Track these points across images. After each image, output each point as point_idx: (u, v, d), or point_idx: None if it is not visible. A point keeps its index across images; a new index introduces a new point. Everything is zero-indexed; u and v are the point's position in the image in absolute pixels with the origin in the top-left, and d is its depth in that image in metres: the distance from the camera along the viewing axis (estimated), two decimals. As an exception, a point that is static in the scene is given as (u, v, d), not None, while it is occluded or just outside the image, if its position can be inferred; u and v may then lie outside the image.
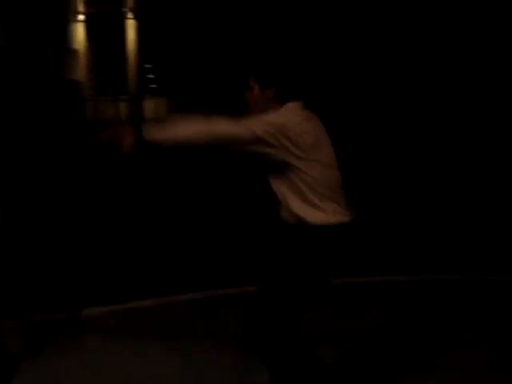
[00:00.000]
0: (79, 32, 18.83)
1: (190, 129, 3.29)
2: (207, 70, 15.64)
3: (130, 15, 18.94)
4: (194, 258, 7.44)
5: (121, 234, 8.43)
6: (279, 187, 3.43)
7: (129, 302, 6.27)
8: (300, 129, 3.30)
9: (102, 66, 18.75)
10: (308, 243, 3.41)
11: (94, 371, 4.46)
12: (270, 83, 3.43)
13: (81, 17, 18.88)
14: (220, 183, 10.60)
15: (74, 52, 18.35)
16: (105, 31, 18.71)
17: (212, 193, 10.20)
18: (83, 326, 5.47)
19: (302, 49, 13.88)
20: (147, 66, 18.70)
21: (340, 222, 3.37)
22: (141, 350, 4.79)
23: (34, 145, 11.25)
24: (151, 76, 18.73)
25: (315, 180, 3.35)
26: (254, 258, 7.16)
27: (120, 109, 18.08)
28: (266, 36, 13.67)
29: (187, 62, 16.49)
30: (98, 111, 17.54)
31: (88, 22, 18.92)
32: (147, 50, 18.55)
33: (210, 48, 15.54)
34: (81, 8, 18.89)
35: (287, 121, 3.30)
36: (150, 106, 18.34)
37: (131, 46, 18.95)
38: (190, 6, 16.12)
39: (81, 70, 18.36)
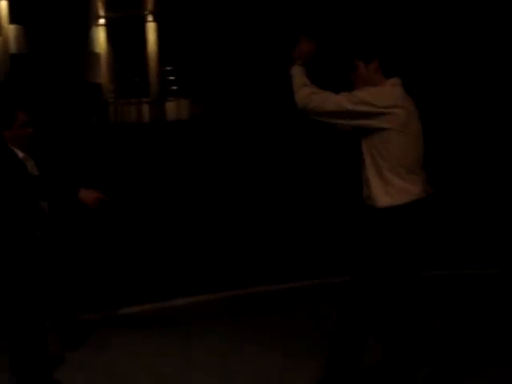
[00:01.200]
0: (100, 36, 18.93)
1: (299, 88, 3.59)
2: (228, 70, 15.65)
3: (150, 18, 19.02)
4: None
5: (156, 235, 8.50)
6: (366, 167, 3.61)
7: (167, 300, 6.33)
8: (398, 103, 3.49)
9: (124, 69, 18.83)
10: (393, 228, 3.51)
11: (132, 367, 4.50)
12: (372, 56, 3.60)
13: (102, 21, 18.99)
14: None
15: (96, 56, 18.44)
16: (126, 34, 18.80)
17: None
18: (120, 323, 5.52)
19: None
20: (168, 68, 18.75)
21: (419, 198, 3.50)
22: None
23: (58, 148, 11.34)
24: (172, 78, 18.78)
25: (398, 156, 3.47)
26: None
27: (142, 111, 18.15)
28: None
29: (208, 63, 16.51)
30: (120, 114, 17.63)
31: (109, 26, 19.02)
32: (168, 53, 18.60)
33: (230, 48, 15.54)
34: (102, 12, 19.01)
35: (387, 95, 3.49)
36: (171, 107, 18.38)
37: (152, 49, 19.02)
38: (210, 8, 16.13)
39: (103, 74, 18.45)
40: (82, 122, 14.96)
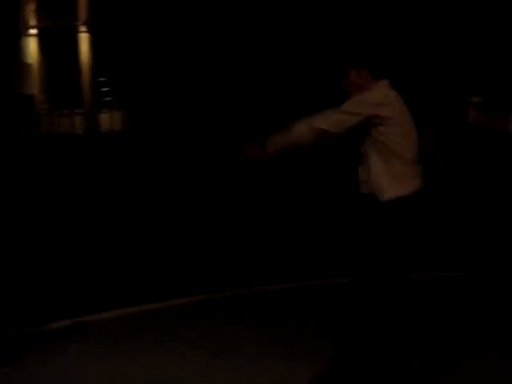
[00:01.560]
0: (32, 46, 18.71)
1: (295, 133, 3.75)
2: (164, 81, 15.73)
3: (83, 28, 18.90)
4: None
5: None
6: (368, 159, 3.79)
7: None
8: (390, 102, 3.77)
9: (56, 80, 18.66)
10: (387, 221, 3.72)
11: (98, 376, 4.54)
12: (362, 64, 3.85)
13: (33, 30, 18.76)
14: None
15: (28, 66, 18.22)
16: (58, 45, 18.63)
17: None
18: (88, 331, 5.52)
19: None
20: (101, 79, 18.68)
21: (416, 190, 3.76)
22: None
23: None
24: (106, 89, 18.71)
25: (402, 147, 3.76)
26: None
27: (75, 122, 18.01)
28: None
29: (141, 74, 16.55)
30: (53, 125, 17.45)
31: (41, 36, 18.81)
32: (101, 63, 18.53)
33: (162, 60, 15.63)
34: (33, 22, 18.76)
35: (381, 97, 3.76)
36: (105, 118, 18.31)
37: (85, 60, 18.90)
38: (142, 21, 16.19)
39: (35, 85, 18.24)
40: (14, 132, 14.78)
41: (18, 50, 18.28)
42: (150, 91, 15.89)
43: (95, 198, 10.90)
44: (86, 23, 18.88)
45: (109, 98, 18.57)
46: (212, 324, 5.56)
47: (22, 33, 18.56)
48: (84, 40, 18.90)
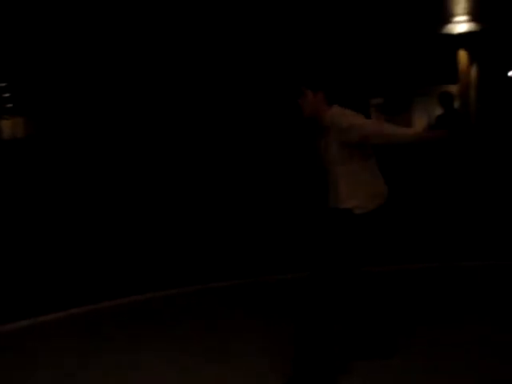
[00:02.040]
0: None
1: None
2: (66, 86, 15.42)
3: (-19, 33, 18.31)
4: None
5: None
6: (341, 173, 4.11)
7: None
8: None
9: (-46, 86, 18.02)
10: (352, 228, 4.04)
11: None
12: (319, 87, 4.18)
13: None
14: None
15: None
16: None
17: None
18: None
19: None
20: (2, 84, 18.18)
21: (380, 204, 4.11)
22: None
23: None
24: (7, 95, 18.22)
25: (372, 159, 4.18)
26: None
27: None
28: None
29: (43, 80, 16.18)
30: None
31: None
32: (2, 69, 18.02)
33: (67, 65, 15.33)
34: None
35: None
36: (7, 125, 17.84)
37: (-16, 65, 18.32)
38: (45, 25, 15.83)
39: None
40: None
41: None
42: (53, 97, 15.55)
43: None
44: (-16, 28, 18.29)
45: (10, 105, 18.11)
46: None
47: None
48: (-17, 45, 18.31)
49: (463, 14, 16.26)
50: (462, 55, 16.76)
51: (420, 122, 15.46)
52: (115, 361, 4.74)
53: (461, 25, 16.49)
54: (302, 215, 8.34)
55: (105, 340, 5.32)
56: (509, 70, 19.29)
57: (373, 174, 4.17)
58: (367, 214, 4.04)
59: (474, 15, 16.18)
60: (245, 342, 5.06)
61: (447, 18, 16.36)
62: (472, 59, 17.00)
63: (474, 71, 17.32)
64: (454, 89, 17.68)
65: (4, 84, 18.02)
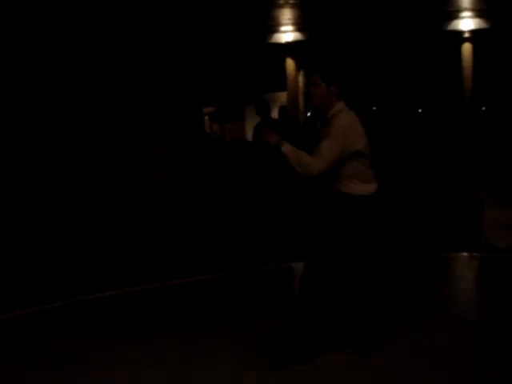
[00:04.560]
0: None
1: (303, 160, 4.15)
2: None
3: None
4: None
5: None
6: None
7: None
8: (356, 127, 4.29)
9: None
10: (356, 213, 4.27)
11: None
12: (335, 81, 4.28)
13: None
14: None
15: None
16: None
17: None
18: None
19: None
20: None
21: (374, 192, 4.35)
22: None
23: None
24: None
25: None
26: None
27: None
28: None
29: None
30: None
31: None
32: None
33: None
34: None
35: (350, 123, 4.27)
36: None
37: None
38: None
39: None
40: None
41: None
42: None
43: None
44: None
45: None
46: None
47: None
48: None
49: (289, 24, 16.88)
50: (289, 63, 17.40)
51: (251, 129, 15.82)
52: (103, 360, 4.47)
53: (287, 34, 17.11)
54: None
55: (92, 336, 5.04)
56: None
57: (367, 164, 4.38)
58: (367, 197, 4.33)
59: (299, 25, 16.83)
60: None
61: (274, 27, 16.91)
62: (299, 67, 17.70)
63: (301, 78, 18.04)
64: (283, 95, 18.34)
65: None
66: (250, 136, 13.22)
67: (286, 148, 4.13)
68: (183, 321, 5.40)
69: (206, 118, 18.37)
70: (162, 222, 9.22)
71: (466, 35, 17.22)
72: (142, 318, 5.58)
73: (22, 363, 4.65)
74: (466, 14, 17.02)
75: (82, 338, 5.06)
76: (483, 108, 18.07)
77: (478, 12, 16.94)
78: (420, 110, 19.74)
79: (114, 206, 10.49)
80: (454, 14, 16.75)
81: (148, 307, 5.99)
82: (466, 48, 17.35)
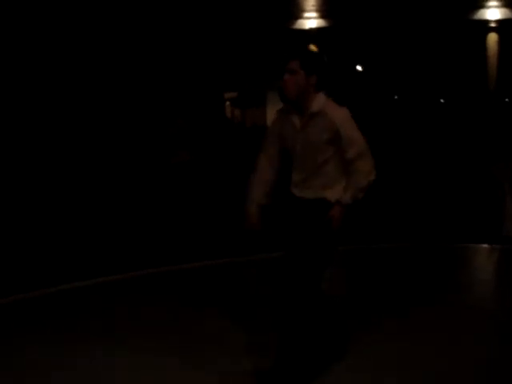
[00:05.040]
0: None
1: None
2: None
3: None
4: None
5: None
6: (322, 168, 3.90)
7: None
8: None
9: None
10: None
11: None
12: (315, 70, 3.85)
13: None
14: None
15: None
16: None
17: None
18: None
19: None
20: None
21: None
22: None
23: None
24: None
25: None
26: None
27: None
28: None
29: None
30: None
31: None
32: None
33: None
34: None
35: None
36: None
37: None
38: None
39: None
40: None
41: None
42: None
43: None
44: None
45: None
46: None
47: None
48: None
49: (313, 11, 16.81)
50: (313, 49, 17.32)
51: (273, 114, 15.81)
52: (89, 360, 4.45)
53: (311, 20, 17.05)
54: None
55: (80, 331, 5.05)
56: (357, 65, 20.14)
57: (345, 168, 3.95)
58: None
59: (322, 12, 16.75)
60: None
61: (298, 13, 16.84)
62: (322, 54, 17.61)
63: (324, 65, 17.95)
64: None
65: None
66: (270, 122, 13.19)
67: (344, 199, 3.86)
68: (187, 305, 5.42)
69: (228, 103, 18.37)
70: (185, 204, 9.26)
71: (492, 25, 17.05)
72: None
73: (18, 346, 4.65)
74: (492, 3, 16.84)
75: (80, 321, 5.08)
76: (506, 99, 17.92)
77: (505, 1, 16.76)
78: (442, 100, 19.62)
79: (140, 188, 10.57)
80: (480, 4, 16.56)
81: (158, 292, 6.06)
82: (492, 38, 17.17)
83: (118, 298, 5.78)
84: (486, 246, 7.52)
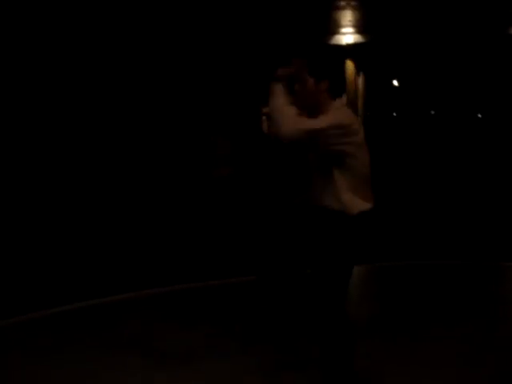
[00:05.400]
0: None
1: None
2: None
3: None
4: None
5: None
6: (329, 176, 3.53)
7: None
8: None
9: None
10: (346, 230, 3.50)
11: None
12: (325, 76, 3.50)
13: None
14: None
15: None
16: None
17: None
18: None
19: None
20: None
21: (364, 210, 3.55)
22: None
23: None
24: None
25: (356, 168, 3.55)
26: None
27: None
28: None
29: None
30: None
31: None
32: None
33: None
34: None
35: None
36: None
37: None
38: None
39: None
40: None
41: None
42: None
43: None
44: None
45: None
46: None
47: None
48: None
49: (350, 26, 16.83)
50: (349, 65, 17.34)
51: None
52: (77, 371, 4.54)
53: (347, 36, 17.06)
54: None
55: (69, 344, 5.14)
56: (393, 79, 20.10)
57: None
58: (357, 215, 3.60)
59: (359, 27, 16.77)
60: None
61: (335, 29, 16.88)
62: (358, 69, 17.62)
63: (360, 80, 17.96)
64: (342, 98, 18.31)
65: None
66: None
67: None
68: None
69: (264, 118, 18.41)
70: (226, 217, 9.29)
71: (531, 40, 16.89)
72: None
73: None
74: (530, 18, 16.69)
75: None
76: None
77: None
78: (479, 115, 19.47)
79: (182, 201, 10.63)
80: (519, 18, 16.44)
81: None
82: (530, 53, 17.02)
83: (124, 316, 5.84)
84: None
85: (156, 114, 13.68)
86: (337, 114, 3.53)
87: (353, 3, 16.32)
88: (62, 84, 12.49)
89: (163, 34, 13.78)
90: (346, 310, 3.62)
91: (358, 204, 3.54)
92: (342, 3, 16.40)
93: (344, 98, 3.66)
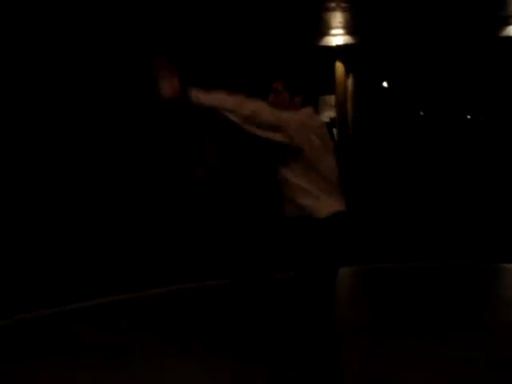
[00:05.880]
0: None
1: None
2: None
3: None
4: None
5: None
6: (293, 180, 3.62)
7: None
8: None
9: None
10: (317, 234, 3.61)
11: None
12: (300, 90, 3.70)
13: None
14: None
15: None
16: None
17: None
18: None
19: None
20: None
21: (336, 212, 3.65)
22: None
23: None
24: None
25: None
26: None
27: None
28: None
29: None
30: None
31: None
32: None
33: None
34: None
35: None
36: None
37: None
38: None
39: None
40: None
41: None
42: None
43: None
44: None
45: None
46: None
47: None
48: None
49: (339, 28, 16.89)
50: (339, 66, 17.40)
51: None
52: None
53: (337, 37, 17.12)
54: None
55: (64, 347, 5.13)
56: (383, 81, 20.19)
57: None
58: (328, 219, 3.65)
59: (349, 29, 16.82)
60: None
61: (325, 31, 16.93)
62: (348, 70, 17.69)
63: (350, 82, 18.04)
64: (332, 99, 18.34)
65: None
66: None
67: None
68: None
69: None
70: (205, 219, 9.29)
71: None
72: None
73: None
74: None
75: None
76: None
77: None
78: (469, 117, 19.58)
79: (164, 204, 10.63)
80: (509, 21, 16.54)
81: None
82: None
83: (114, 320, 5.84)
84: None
85: (139, 116, 13.65)
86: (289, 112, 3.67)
87: (343, 5, 16.35)
88: (55, 87, 12.49)
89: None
90: (330, 313, 3.67)
91: (325, 207, 3.65)
92: (332, 5, 16.42)
93: (310, 108, 3.75)
